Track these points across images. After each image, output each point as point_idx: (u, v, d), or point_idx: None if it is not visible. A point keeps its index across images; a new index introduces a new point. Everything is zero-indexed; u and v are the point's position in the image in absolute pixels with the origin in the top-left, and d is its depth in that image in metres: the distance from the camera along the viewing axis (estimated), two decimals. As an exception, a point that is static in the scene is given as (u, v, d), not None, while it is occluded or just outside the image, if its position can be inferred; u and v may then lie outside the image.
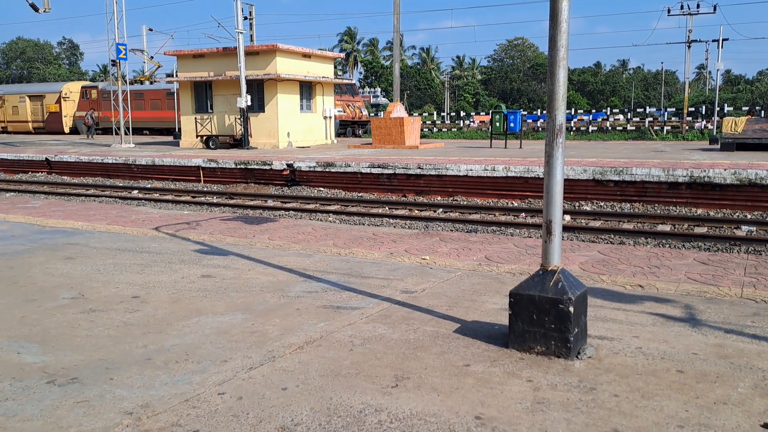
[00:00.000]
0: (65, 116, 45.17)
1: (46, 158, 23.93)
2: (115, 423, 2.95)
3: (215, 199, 16.27)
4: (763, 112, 38.04)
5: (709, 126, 33.55)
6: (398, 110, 26.20)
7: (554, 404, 3.10)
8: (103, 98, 41.22)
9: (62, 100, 44.75)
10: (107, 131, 40.72)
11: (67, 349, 3.96)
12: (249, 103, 25.38)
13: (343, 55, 51.69)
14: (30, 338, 4.16)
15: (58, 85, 47.36)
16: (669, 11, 35.61)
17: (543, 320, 3.73)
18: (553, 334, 3.71)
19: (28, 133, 45.93)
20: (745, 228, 11.30)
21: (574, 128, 39.64)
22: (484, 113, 52.46)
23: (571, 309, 3.64)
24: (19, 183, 20.85)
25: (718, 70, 24.90)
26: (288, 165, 18.60)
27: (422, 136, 34.37)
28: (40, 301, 5.01)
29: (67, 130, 44.80)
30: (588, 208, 13.75)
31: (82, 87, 44.82)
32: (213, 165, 20.15)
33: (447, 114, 55.08)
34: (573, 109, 48.33)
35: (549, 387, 3.31)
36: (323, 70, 29.03)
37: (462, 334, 4.15)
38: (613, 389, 3.28)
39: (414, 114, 46.11)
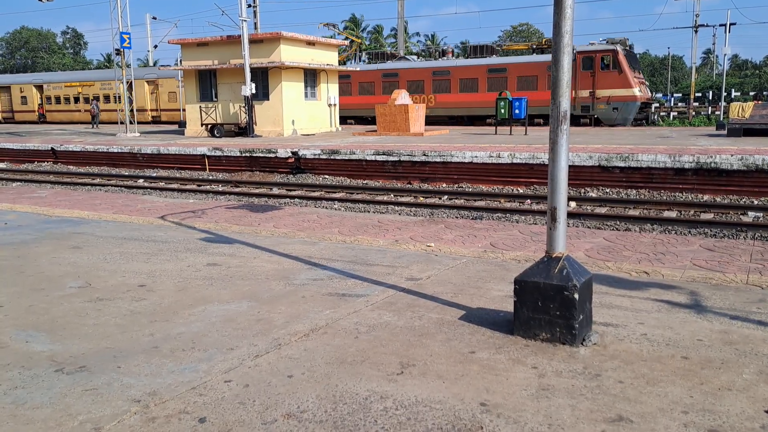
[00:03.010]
0: None
1: (52, 148, 23.99)
2: (123, 410, 2.97)
3: (220, 188, 16.29)
4: (770, 97, 37.74)
5: (716, 111, 33.32)
6: (403, 97, 26.11)
7: (559, 391, 3.11)
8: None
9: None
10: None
11: (75, 337, 3.99)
12: (253, 91, 25.35)
13: (347, 42, 51.40)
14: (38, 327, 4.19)
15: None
16: (677, -5, 35.38)
17: (548, 307, 3.74)
18: (558, 321, 3.71)
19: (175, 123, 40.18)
20: (751, 214, 11.25)
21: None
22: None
23: (576, 296, 3.64)
24: (25, 173, 20.92)
25: (725, 54, 24.65)
26: (293, 153, 18.59)
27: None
28: (47, 290, 5.04)
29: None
30: (593, 195, 13.71)
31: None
32: (218, 153, 20.16)
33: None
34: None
35: (554, 374, 3.32)
36: (327, 58, 28.95)
37: (467, 321, 4.16)
38: (618, 376, 3.28)
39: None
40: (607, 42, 29.37)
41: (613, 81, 28.41)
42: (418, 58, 36.68)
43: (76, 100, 46.14)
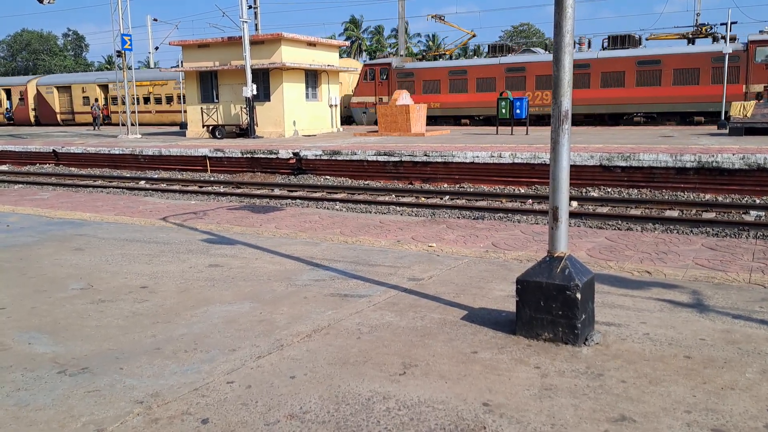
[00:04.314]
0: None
1: (54, 150, 24.02)
2: (125, 412, 2.98)
3: (222, 189, 16.30)
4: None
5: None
6: (404, 98, 26.11)
7: (562, 390, 3.11)
8: (399, 78, 33.10)
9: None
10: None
11: (78, 339, 3.99)
12: (255, 93, 25.37)
13: (348, 43, 51.30)
14: (41, 329, 4.20)
15: None
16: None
17: (550, 307, 3.73)
18: (561, 320, 3.71)
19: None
20: (753, 213, 11.24)
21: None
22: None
23: (579, 295, 3.64)
24: (27, 175, 20.95)
25: (726, 54, 24.56)
26: (294, 153, 18.60)
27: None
28: (49, 292, 5.05)
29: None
30: (595, 194, 13.70)
31: (365, 65, 36.19)
32: (219, 154, 20.17)
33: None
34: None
35: (556, 373, 3.32)
36: (328, 59, 28.96)
37: (469, 321, 4.16)
38: (620, 375, 3.28)
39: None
40: None
41: None
42: (546, 50, 32.63)
43: (146, 100, 42.64)
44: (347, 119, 36.06)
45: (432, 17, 33.35)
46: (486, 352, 3.64)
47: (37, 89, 47.46)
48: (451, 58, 35.28)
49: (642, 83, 27.56)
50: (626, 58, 28.11)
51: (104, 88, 44.66)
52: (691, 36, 29.90)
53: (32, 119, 47.91)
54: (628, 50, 28.77)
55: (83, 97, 45.07)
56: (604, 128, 27.36)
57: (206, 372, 3.42)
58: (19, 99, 48.32)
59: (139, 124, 40.29)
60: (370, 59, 35.89)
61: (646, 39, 31.21)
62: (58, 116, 46.36)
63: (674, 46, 28.81)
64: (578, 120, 29.15)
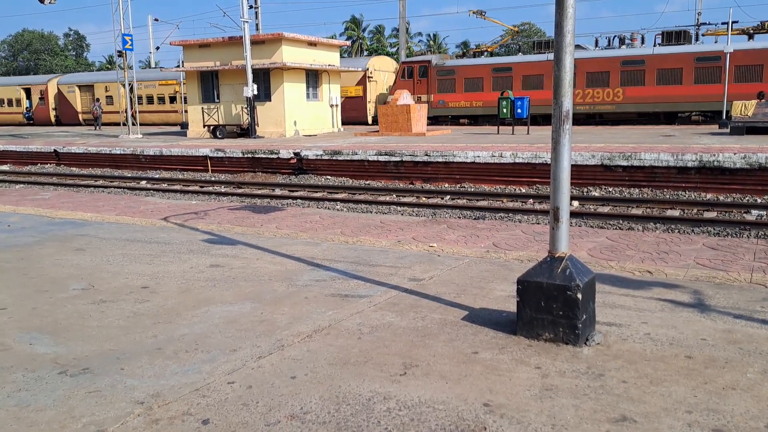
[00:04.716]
0: (369, 102, 34.88)
1: (55, 150, 24.04)
2: (126, 412, 2.98)
3: (223, 189, 16.31)
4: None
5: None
6: (405, 97, 26.11)
7: (562, 391, 3.11)
8: (439, 76, 31.93)
9: (366, 80, 34.48)
10: (456, 120, 30.58)
11: (78, 339, 3.99)
12: (255, 92, 25.38)
13: (348, 43, 51.25)
14: (42, 329, 4.20)
15: (362, 61, 36.65)
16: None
17: (551, 307, 3.73)
18: (561, 320, 3.71)
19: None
20: (755, 212, 11.22)
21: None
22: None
23: (579, 296, 3.64)
24: (28, 174, 20.97)
25: (727, 53, 24.53)
26: (295, 153, 18.60)
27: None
28: (50, 293, 5.05)
29: (370, 120, 34.55)
30: (596, 194, 13.70)
31: (403, 63, 34.62)
32: (220, 154, 20.18)
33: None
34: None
35: (557, 374, 3.31)
36: (329, 58, 28.96)
37: (470, 321, 4.16)
38: (621, 375, 3.28)
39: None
40: None
41: None
42: (596, 45, 31.38)
43: (172, 99, 41.46)
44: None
45: (473, 13, 32.87)
46: (487, 352, 3.63)
47: (58, 88, 46.43)
48: (491, 55, 34.12)
49: (701, 80, 26.64)
50: (684, 54, 27.00)
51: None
52: (752, 31, 28.93)
53: (53, 119, 46.81)
54: (685, 46, 27.91)
55: (107, 97, 43.99)
56: (605, 128, 27.34)
57: (207, 372, 3.43)
58: (40, 98, 47.18)
59: (148, 124, 39.81)
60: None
61: (702, 35, 30.52)
62: (80, 116, 45.44)
63: (734, 42, 27.48)
64: (631, 119, 28.60)
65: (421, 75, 32.60)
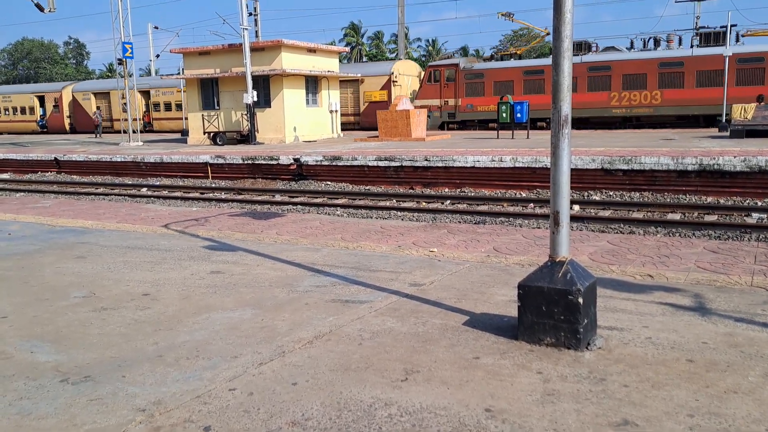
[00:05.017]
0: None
1: (55, 158, 24.07)
2: (128, 420, 2.97)
3: (223, 195, 16.32)
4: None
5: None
6: (404, 103, 26.15)
7: (564, 395, 3.11)
8: (467, 80, 31.10)
9: (391, 84, 33.75)
10: (483, 124, 29.54)
11: (80, 347, 3.99)
12: (255, 99, 25.43)
13: (348, 49, 51.42)
14: (43, 337, 4.20)
15: (386, 65, 35.72)
16: (679, -2, 34.61)
17: (552, 312, 3.73)
18: (563, 325, 3.71)
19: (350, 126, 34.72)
20: (755, 215, 11.22)
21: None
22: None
23: (581, 300, 3.64)
24: (29, 183, 20.99)
25: (726, 57, 24.54)
26: (295, 159, 18.62)
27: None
28: (52, 300, 5.05)
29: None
30: (597, 198, 13.70)
31: (429, 66, 33.74)
32: (220, 161, 20.20)
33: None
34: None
35: (559, 378, 3.31)
36: (328, 65, 29.04)
37: (471, 326, 4.16)
38: (623, 380, 3.27)
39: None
40: None
41: None
42: (632, 47, 30.57)
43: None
44: None
45: (502, 15, 32.74)
46: (488, 357, 3.63)
47: (73, 96, 45.73)
48: (520, 58, 33.46)
49: (742, 82, 25.95)
50: (723, 56, 25.60)
51: (145, 94, 42.59)
52: None
53: (67, 127, 46.00)
54: (724, 47, 26.68)
55: (123, 104, 42.21)
56: (605, 131, 27.33)
57: (208, 379, 3.42)
58: (54, 106, 46.36)
59: (165, 131, 39.22)
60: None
61: (742, 35, 29.83)
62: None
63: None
64: (669, 122, 27.92)
65: (448, 79, 31.75)
